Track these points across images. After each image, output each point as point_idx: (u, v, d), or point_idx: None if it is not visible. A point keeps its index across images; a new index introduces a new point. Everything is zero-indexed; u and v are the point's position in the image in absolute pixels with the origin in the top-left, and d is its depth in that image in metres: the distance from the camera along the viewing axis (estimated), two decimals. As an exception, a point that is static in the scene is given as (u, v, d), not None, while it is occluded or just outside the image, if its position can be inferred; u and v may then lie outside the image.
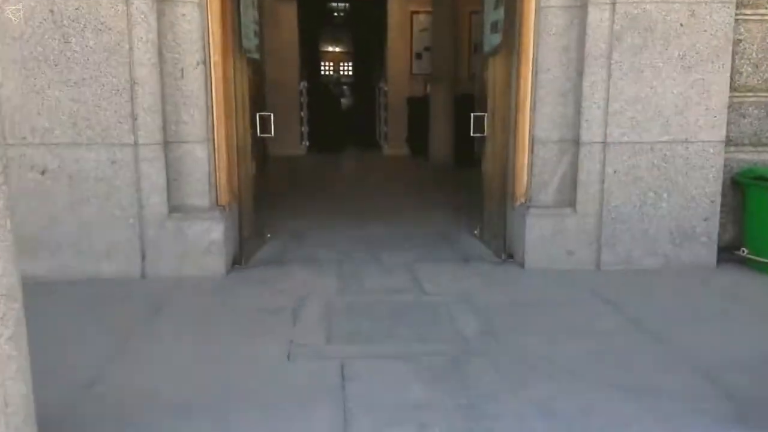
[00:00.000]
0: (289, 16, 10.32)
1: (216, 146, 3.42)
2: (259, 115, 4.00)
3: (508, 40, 3.71)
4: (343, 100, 12.38)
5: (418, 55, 10.48)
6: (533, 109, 3.54)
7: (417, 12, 10.31)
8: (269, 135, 4.08)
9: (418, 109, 10.15)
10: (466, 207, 4.93)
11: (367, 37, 13.56)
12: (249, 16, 3.67)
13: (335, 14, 15.51)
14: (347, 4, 15.11)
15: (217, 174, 3.45)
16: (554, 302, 3.05)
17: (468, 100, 9.44)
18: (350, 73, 19.68)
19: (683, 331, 2.70)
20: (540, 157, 3.56)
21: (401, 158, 10.12)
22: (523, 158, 3.60)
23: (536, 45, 3.48)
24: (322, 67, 18.77)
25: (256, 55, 3.91)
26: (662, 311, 2.93)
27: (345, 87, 12.17)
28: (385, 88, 10.78)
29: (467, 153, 9.39)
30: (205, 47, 3.31)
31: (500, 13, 3.71)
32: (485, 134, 4.12)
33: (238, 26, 3.50)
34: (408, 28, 10.39)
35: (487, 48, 3.99)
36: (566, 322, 2.78)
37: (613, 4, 3.29)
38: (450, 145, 8.85)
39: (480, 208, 4.29)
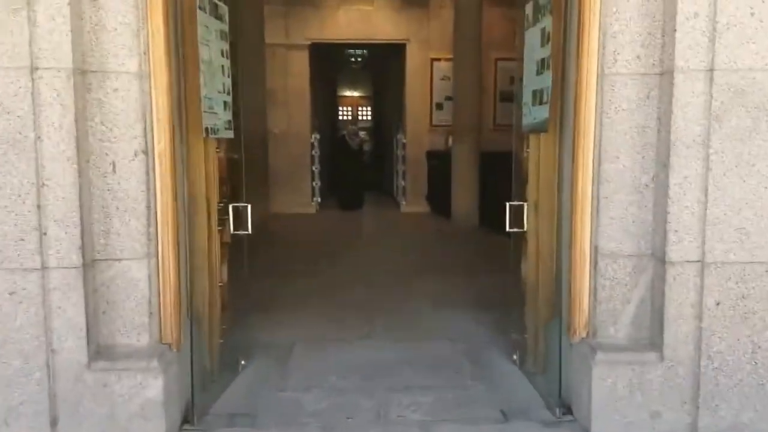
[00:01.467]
0: (300, 64, 9.60)
1: (161, 262, 2.51)
2: (233, 207, 3.11)
3: (557, 116, 2.78)
4: (363, 148, 11.66)
5: (439, 106, 9.65)
6: (596, 210, 2.57)
7: (437, 59, 9.53)
8: (245, 232, 3.19)
9: (439, 164, 9.26)
10: (498, 304, 3.94)
11: (386, 83, 12.85)
12: (215, 85, 2.81)
13: (352, 59, 14.85)
14: (365, 51, 14.46)
15: (162, 300, 2.53)
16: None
17: (495, 158, 8.54)
18: (369, 117, 19.06)
19: None
20: (607, 276, 2.57)
21: (421, 217, 9.19)
22: (583, 276, 2.62)
23: (599, 124, 2.54)
24: (340, 112, 18.16)
25: (229, 133, 3.03)
26: None
27: (363, 134, 11.42)
28: (403, 140, 9.93)
29: (493, 214, 8.43)
30: (147, 132, 2.44)
31: (546, 79, 2.79)
32: (524, 229, 3.18)
33: (198, 100, 2.64)
34: (428, 76, 9.59)
35: (528, 122, 3.06)
36: None
37: (710, 71, 2.35)
38: (474, 205, 7.91)
39: (519, 320, 3.30)
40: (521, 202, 3.20)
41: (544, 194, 2.98)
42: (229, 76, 2.97)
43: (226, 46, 2.93)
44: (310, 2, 9.38)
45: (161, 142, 2.47)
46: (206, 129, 2.69)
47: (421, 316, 4.12)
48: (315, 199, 9.93)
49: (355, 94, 19.20)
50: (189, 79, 2.64)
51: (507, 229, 3.21)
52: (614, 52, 2.50)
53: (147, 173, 2.45)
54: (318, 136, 9.90)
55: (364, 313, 4.13)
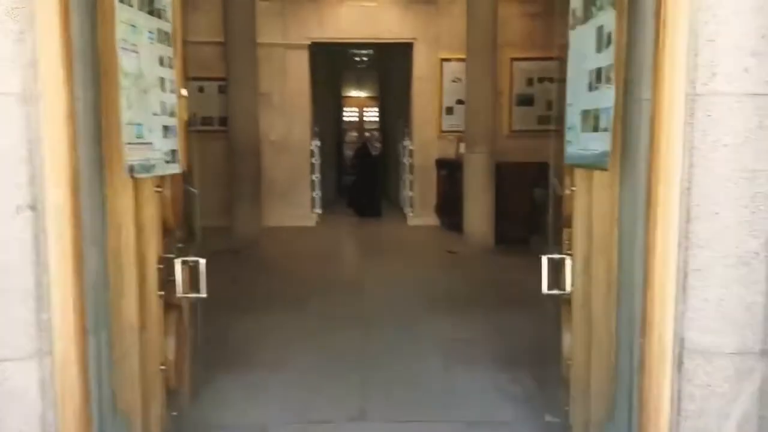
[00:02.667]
0: (299, 66, 8.84)
1: (59, 361, 1.76)
2: (183, 263, 2.37)
3: (622, 149, 2.02)
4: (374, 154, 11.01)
5: (449, 110, 8.87)
6: (682, 287, 1.80)
7: (448, 59, 8.74)
8: (198, 295, 2.45)
9: (449, 173, 8.49)
10: (526, 359, 3.19)
11: (393, 84, 12.07)
12: (149, 105, 2.05)
13: (357, 59, 14.07)
14: (371, 50, 13.67)
15: (62, 414, 1.78)
16: None
17: (511, 169, 7.77)
18: (376, 119, 18.27)
19: None
20: (697, 382, 1.80)
21: (429, 232, 8.42)
22: (661, 379, 1.85)
23: (688, 164, 1.76)
24: (346, 114, 17.39)
25: (172, 168, 2.28)
26: None
27: (375, 137, 10.77)
28: (410, 147, 9.15)
29: (511, 231, 7.69)
30: (36, 177, 1.69)
31: (604, 97, 2.01)
32: (567, 291, 2.42)
33: (118, 130, 1.89)
34: (437, 78, 8.81)
35: (575, 153, 2.28)
36: None
37: None
38: (489, 220, 7.14)
39: (561, 408, 2.55)
40: (563, 255, 2.43)
41: (599, 250, 2.21)
42: (173, 92, 2.21)
43: (169, 52, 2.18)
44: (310, -2, 8.62)
45: (58, 192, 1.72)
46: (131, 167, 1.94)
47: (430, 381, 3.37)
48: (315, 210, 9.18)
49: (362, 94, 18.42)
50: (107, 100, 1.89)
51: (544, 290, 2.44)
52: (711, 62, 1.72)
53: (36, 236, 1.70)
54: (318, 143, 9.15)
55: (357, 375, 3.38)
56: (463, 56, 8.46)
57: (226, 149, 7.31)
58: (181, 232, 2.66)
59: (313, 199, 9.12)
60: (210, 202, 8.59)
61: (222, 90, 7.91)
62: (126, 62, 1.89)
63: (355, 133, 18.68)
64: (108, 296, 2.05)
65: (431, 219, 8.89)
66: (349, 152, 18.62)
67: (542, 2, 8.70)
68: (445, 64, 8.73)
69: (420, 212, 9.02)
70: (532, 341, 3.64)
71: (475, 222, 7.14)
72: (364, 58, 13.84)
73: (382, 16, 8.72)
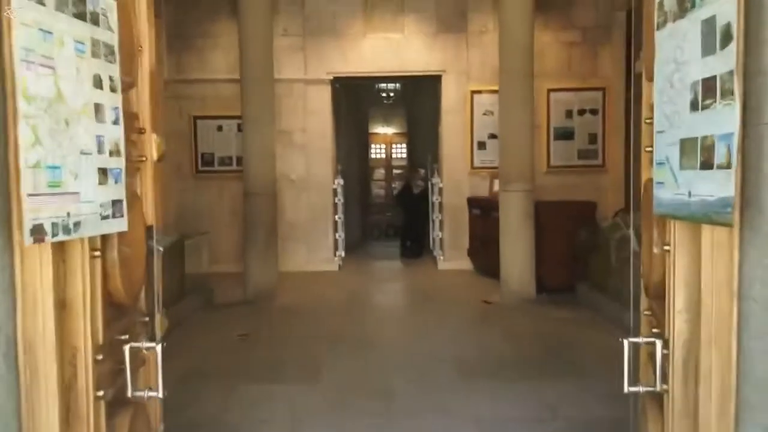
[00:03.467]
0: (320, 101, 8.39)
1: None
2: (131, 350, 1.78)
3: (742, 193, 1.37)
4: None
5: (481, 144, 8.27)
6: None
7: (478, 91, 8.19)
8: (152, 394, 1.85)
9: (483, 213, 7.83)
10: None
11: (420, 119, 11.59)
12: (73, 141, 1.49)
13: (384, 95, 13.67)
14: (397, 84, 13.27)
15: None
16: None
17: (552, 209, 7.06)
18: (403, 155, 17.78)
19: None
20: None
21: (462, 278, 7.73)
22: None
23: None
24: (372, 151, 16.96)
25: (111, 225, 1.70)
26: None
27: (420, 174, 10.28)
28: (440, 185, 8.55)
29: (553, 278, 6.95)
30: None
31: (721, 118, 1.37)
32: (661, 389, 1.74)
33: (17, 174, 1.33)
34: (467, 111, 8.25)
35: (672, 199, 1.61)
36: None
37: None
38: (529, 266, 6.41)
39: None
40: (652, 338, 1.76)
41: (709, 338, 1.53)
42: (117, 123, 1.65)
43: (111, 70, 1.63)
44: (331, 32, 8.22)
45: None
46: (36, 227, 1.36)
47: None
48: (338, 253, 8.59)
49: (389, 130, 18.02)
50: (11, 134, 1.34)
51: (625, 389, 1.76)
52: None
53: None
54: (341, 182, 8.62)
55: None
56: (494, 88, 7.89)
57: (244, 190, 6.82)
58: (144, 304, 2.07)
59: (335, 242, 8.54)
60: (226, 246, 8.13)
61: (241, 129, 7.50)
62: (32, 82, 1.33)
63: (382, 171, 18.23)
64: (13, 406, 1.46)
65: (463, 262, 8.21)
66: (377, 190, 18.20)
67: (580, 30, 8.14)
68: (475, 96, 8.18)
69: (451, 255, 8.35)
70: (595, 426, 2.92)
71: (513, 267, 6.43)
72: (391, 94, 13.43)
73: (409, 48, 8.26)
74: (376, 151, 17.76)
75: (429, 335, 5.14)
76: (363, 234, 11.94)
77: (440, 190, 8.53)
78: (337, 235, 8.57)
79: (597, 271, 6.14)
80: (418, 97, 11.94)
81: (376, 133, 17.38)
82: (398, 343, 4.92)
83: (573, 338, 4.86)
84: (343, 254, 8.70)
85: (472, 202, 8.10)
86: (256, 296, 6.36)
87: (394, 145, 18.09)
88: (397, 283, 7.54)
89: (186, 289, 6.11)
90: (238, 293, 6.41)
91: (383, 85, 13.17)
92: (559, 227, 6.57)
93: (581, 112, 8.12)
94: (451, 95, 8.26)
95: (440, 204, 8.59)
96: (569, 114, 8.12)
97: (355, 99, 11.81)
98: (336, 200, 8.54)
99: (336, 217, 8.54)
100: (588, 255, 6.32)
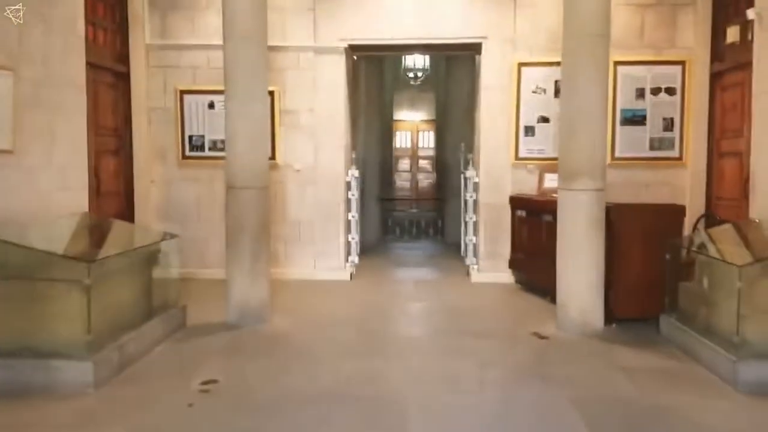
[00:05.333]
0: (333, 75, 6.89)
1: None
2: None
3: None
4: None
5: (529, 130, 6.69)
6: None
7: (527, 64, 6.60)
8: None
9: (530, 215, 6.28)
10: None
11: (453, 100, 10.02)
12: None
13: (411, 76, 12.10)
14: (426, 62, 11.69)
15: None
16: None
17: (626, 214, 5.31)
18: (432, 145, 16.23)
19: None
20: None
21: (503, 294, 6.20)
22: None
23: None
24: (397, 140, 15.44)
25: None
26: None
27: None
28: (475, 179, 7.00)
29: (626, 305, 5.31)
30: None
31: None
32: None
33: None
34: (513, 88, 6.66)
35: None
36: None
37: None
38: (597, 289, 4.85)
39: None
40: None
41: None
42: None
43: None
44: (348, -11, 6.72)
45: None
46: None
47: None
48: (350, 259, 7.13)
49: (416, 117, 16.46)
50: None
51: None
52: None
53: None
54: (356, 173, 7.13)
55: None
56: (548, 59, 6.35)
57: (226, 183, 5.39)
58: None
59: (347, 245, 7.07)
60: (220, 247, 6.67)
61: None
62: None
63: (407, 161, 16.71)
64: None
65: (504, 275, 6.68)
66: (402, 182, 16.68)
67: (656, -11, 6.49)
68: (524, 69, 6.59)
69: (487, 266, 6.81)
70: None
71: (575, 288, 4.87)
72: (419, 74, 11.85)
73: (442, 10, 6.69)
74: (401, 140, 16.24)
75: (465, 385, 3.65)
76: (384, 232, 10.46)
77: (476, 185, 6.98)
78: (349, 237, 7.11)
79: (689, 299, 4.57)
80: (450, 77, 10.35)
81: (401, 120, 15.87)
82: (423, 397, 3.44)
83: (672, 407, 3.34)
84: (356, 260, 7.23)
85: (517, 202, 6.54)
86: (240, 318, 4.94)
87: (421, 133, 16.56)
88: (422, 302, 6.03)
89: (155, 306, 4.72)
90: (222, 310, 5.02)
91: (410, 64, 11.60)
92: (636, 238, 4.99)
93: (655, 92, 6.49)
94: (492, 68, 6.68)
95: (475, 203, 7.05)
96: (640, 93, 6.50)
97: (378, 78, 10.28)
98: (349, 195, 7.06)
99: (349, 215, 7.07)
100: (676, 277, 4.75)
